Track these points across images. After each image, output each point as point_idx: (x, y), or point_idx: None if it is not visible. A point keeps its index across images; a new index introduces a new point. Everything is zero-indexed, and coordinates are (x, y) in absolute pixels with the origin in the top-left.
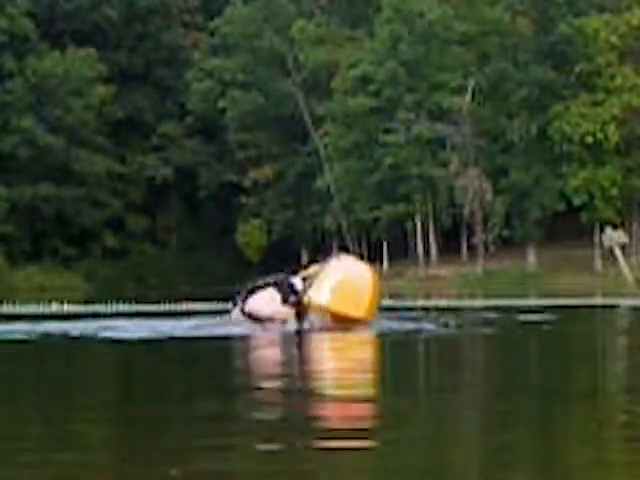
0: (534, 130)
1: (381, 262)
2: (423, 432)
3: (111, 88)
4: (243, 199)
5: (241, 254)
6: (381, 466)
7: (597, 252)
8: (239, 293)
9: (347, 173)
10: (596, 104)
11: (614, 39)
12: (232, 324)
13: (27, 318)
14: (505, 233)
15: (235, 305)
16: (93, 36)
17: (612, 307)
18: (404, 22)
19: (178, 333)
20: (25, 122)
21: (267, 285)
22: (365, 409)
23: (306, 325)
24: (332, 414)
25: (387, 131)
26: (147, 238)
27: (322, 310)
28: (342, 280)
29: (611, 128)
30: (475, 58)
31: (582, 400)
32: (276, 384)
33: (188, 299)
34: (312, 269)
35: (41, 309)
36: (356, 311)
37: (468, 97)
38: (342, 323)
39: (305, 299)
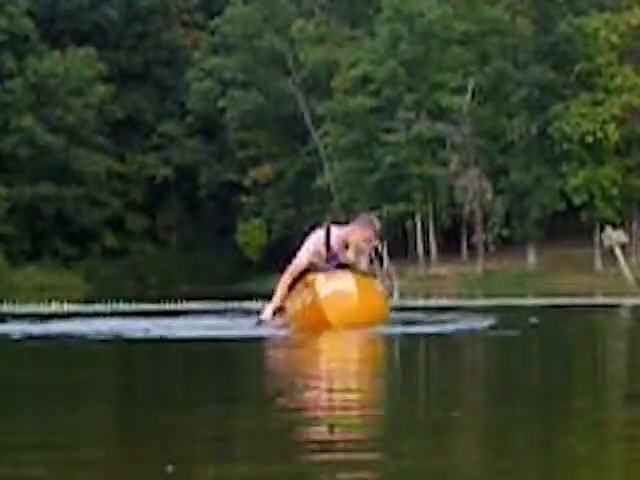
0: (534, 130)
1: (381, 262)
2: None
3: (111, 88)
4: (243, 199)
5: (241, 253)
6: None
7: (597, 252)
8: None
9: (347, 172)
10: (596, 104)
11: (614, 39)
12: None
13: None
14: (505, 233)
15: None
16: (93, 36)
17: (613, 307)
18: (404, 22)
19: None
20: (25, 122)
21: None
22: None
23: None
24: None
25: (387, 130)
26: (147, 238)
27: (313, 297)
28: (347, 291)
29: (611, 128)
30: (475, 58)
31: None
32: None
33: (188, 298)
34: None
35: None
36: (336, 320)
37: (468, 97)
38: (314, 322)
39: (311, 276)
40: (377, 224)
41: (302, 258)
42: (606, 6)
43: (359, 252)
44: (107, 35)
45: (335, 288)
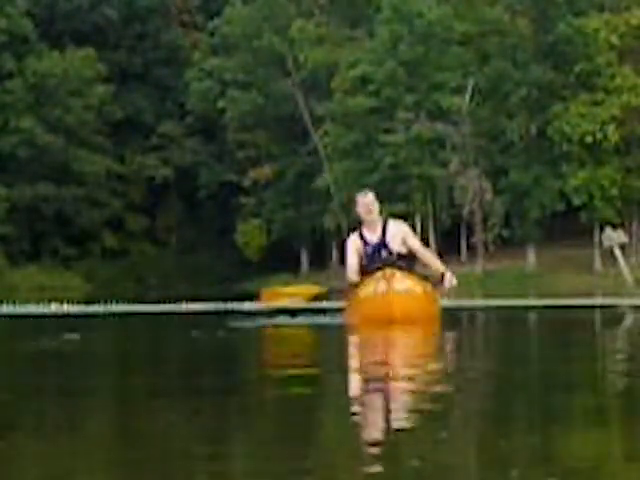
0: (534, 130)
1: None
2: None
3: (110, 88)
4: (243, 199)
5: (241, 254)
6: None
7: (597, 252)
8: None
9: (347, 173)
10: (596, 104)
11: (614, 39)
12: None
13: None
14: (505, 233)
15: None
16: (93, 36)
17: (612, 307)
18: (404, 22)
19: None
20: (25, 122)
21: None
22: None
23: None
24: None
25: (387, 131)
26: (147, 238)
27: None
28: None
29: (611, 128)
30: (475, 58)
31: None
32: None
33: (189, 299)
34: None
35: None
36: (363, 322)
37: (468, 97)
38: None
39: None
40: (361, 196)
41: (349, 260)
42: (606, 6)
43: (397, 237)
44: (106, 35)
45: (371, 290)
